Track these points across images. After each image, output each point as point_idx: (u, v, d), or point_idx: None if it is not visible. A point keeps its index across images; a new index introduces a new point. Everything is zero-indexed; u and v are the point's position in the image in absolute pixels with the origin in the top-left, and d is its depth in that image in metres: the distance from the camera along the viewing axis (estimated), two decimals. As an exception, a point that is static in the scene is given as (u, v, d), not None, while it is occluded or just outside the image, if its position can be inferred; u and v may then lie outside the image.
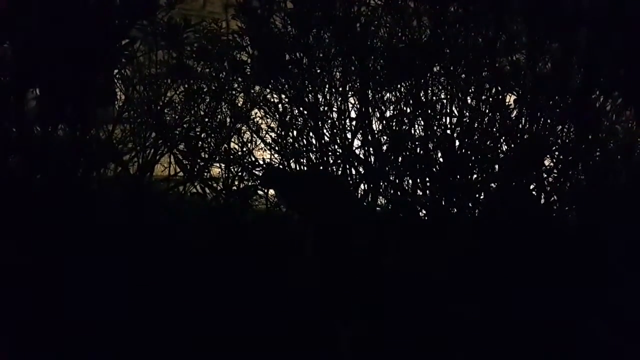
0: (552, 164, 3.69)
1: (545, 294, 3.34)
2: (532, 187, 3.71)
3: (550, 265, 3.41)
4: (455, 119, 3.60)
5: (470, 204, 3.67)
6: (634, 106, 3.68)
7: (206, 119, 3.57)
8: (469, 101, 3.61)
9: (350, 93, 3.64)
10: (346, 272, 3.38)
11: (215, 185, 3.60)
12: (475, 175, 3.65)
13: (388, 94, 3.62)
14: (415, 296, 3.35)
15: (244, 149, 3.65)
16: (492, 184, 3.69)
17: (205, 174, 3.58)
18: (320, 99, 3.62)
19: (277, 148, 3.66)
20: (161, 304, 3.12)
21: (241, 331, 3.11)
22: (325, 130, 3.63)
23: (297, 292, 3.32)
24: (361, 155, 3.64)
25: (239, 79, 3.60)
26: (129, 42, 3.37)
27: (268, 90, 3.63)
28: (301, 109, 3.63)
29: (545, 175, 3.69)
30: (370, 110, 3.63)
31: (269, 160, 3.67)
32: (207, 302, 3.14)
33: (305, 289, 3.34)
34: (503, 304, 3.34)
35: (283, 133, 3.65)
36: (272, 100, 3.64)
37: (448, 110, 3.60)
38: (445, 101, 3.60)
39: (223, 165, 3.62)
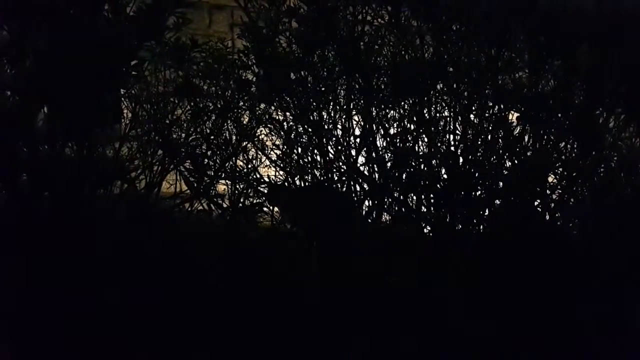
0: (555, 180, 3.71)
1: (549, 309, 3.36)
2: (536, 203, 3.74)
3: (554, 280, 3.42)
4: (459, 136, 3.63)
5: (474, 220, 3.69)
6: (636, 123, 3.71)
7: (212, 137, 3.58)
8: (472, 118, 3.64)
9: (354, 111, 3.66)
10: (351, 288, 3.40)
11: (221, 202, 3.63)
12: (479, 192, 3.68)
13: (392, 112, 3.65)
14: (420, 313, 3.37)
15: (249, 166, 3.67)
16: (496, 200, 3.71)
17: (211, 190, 3.61)
18: (325, 117, 3.65)
19: (282, 165, 3.69)
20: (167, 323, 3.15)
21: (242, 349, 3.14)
22: (329, 148, 3.66)
23: (301, 309, 3.34)
24: (365, 172, 3.66)
25: (245, 98, 3.62)
26: (137, 62, 3.40)
27: (273, 109, 3.66)
28: (306, 126, 3.66)
29: (549, 192, 3.72)
30: (374, 127, 3.66)
31: (274, 177, 3.70)
32: (209, 319, 3.17)
33: (309, 306, 3.36)
34: (507, 320, 3.35)
35: (288, 150, 3.68)
36: (277, 118, 3.67)
37: (451, 128, 3.63)
38: (448, 118, 3.63)
39: (229, 182, 3.65)
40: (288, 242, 3.64)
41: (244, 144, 3.67)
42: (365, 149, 3.67)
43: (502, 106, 3.63)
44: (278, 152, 3.70)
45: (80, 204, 3.22)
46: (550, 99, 3.68)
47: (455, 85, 3.63)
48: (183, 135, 3.56)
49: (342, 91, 3.66)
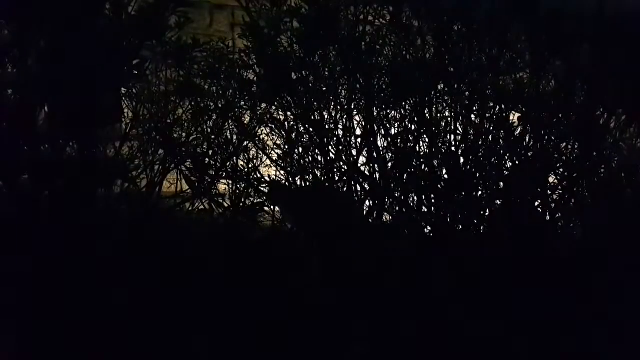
0: (556, 180, 3.71)
1: (549, 309, 3.36)
2: (537, 203, 3.73)
3: (554, 280, 3.43)
4: (460, 136, 3.63)
5: (475, 221, 3.69)
6: (637, 123, 3.71)
7: (213, 136, 3.58)
8: (473, 119, 3.64)
9: (355, 111, 3.66)
10: (351, 288, 3.40)
11: (222, 201, 3.63)
12: (480, 192, 3.68)
13: (393, 112, 3.65)
14: (420, 313, 3.37)
15: (250, 166, 3.67)
16: (497, 201, 3.71)
17: (212, 190, 3.61)
18: (326, 117, 3.65)
19: (283, 165, 3.69)
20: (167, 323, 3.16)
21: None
22: (330, 148, 3.65)
23: (302, 309, 3.34)
24: (366, 172, 3.66)
25: (246, 97, 3.62)
26: (139, 62, 3.40)
27: (274, 108, 3.66)
28: (307, 126, 3.66)
29: (550, 192, 3.71)
30: (376, 127, 3.66)
31: (275, 176, 3.70)
32: (210, 318, 3.18)
33: (310, 305, 3.36)
34: (508, 320, 3.36)
35: (289, 150, 3.68)
36: (278, 117, 3.67)
37: (452, 128, 3.63)
38: (449, 119, 3.63)
39: (230, 181, 3.65)
40: (289, 242, 3.65)
41: (245, 143, 3.67)
42: (366, 149, 3.67)
43: (503, 106, 3.63)
44: (279, 151, 3.70)
45: (81, 204, 3.22)
46: (552, 99, 3.68)
47: (456, 86, 3.63)
48: (184, 134, 3.57)
49: (343, 91, 3.66)
